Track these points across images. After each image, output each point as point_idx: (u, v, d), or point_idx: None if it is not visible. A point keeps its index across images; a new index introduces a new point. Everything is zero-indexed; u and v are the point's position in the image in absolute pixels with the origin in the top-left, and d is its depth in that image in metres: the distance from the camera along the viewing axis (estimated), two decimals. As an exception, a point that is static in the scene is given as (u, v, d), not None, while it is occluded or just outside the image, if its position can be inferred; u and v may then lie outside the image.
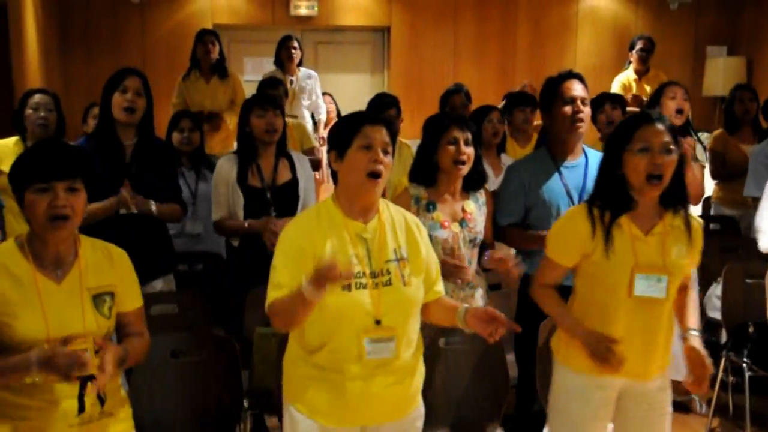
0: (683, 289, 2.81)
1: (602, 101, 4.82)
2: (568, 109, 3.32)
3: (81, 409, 2.27)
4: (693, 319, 2.80)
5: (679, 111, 4.08)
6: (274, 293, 2.37)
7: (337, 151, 2.44)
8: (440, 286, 2.63)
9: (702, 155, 4.42)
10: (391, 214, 2.53)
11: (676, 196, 2.64)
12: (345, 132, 2.43)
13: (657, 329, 2.68)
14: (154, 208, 3.61)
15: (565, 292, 3.14)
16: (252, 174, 3.81)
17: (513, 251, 3.54)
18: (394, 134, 2.49)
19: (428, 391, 3.12)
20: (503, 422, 3.24)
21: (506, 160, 4.80)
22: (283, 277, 2.36)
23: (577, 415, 2.76)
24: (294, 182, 3.88)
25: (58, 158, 2.27)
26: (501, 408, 3.25)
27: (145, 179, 3.61)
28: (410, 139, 4.86)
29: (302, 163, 3.98)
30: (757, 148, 4.95)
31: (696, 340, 2.73)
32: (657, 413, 2.77)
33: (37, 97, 4.25)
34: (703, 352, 2.71)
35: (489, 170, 4.29)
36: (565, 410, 2.80)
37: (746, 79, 8.93)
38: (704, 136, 5.94)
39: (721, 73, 9.11)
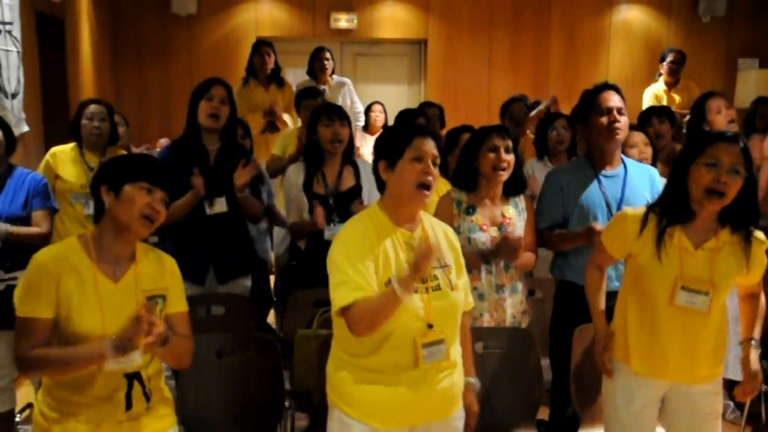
0: (752, 297, 2.78)
1: (649, 116, 4.73)
2: (604, 119, 3.30)
3: (128, 405, 2.32)
4: (756, 330, 2.76)
5: (731, 122, 4.04)
6: (353, 294, 2.29)
7: (388, 161, 2.43)
8: (471, 298, 2.63)
9: None
10: (432, 224, 2.54)
11: (741, 215, 2.59)
12: (396, 143, 2.42)
13: (700, 338, 2.64)
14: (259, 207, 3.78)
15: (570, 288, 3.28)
16: (317, 181, 3.85)
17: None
18: (440, 147, 2.48)
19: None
20: (537, 426, 3.20)
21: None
22: (357, 277, 2.31)
23: (624, 414, 2.75)
24: (357, 188, 3.90)
25: (165, 173, 2.40)
26: (535, 411, 3.22)
27: (226, 182, 3.67)
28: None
29: (367, 169, 4.01)
30: None
31: (753, 352, 2.71)
32: (703, 417, 2.73)
33: (92, 108, 4.32)
34: (756, 365, 2.69)
35: None
36: (613, 407, 2.80)
37: (777, 90, 8.79)
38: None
39: (753, 86, 8.94)
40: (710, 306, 2.58)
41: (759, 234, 2.66)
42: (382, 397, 2.38)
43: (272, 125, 6.34)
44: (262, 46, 6.54)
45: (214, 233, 3.66)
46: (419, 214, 2.50)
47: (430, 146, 2.41)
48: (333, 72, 6.90)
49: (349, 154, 3.95)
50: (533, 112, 6.08)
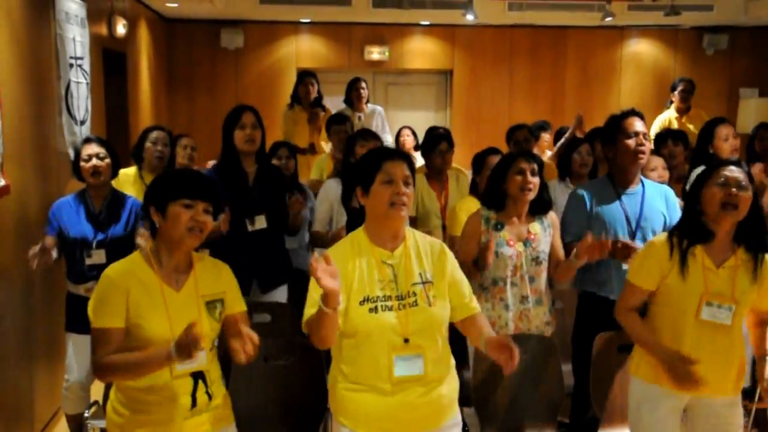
0: (763, 324, 2.75)
1: (665, 138, 4.70)
2: (631, 142, 3.28)
3: (193, 404, 2.35)
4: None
5: (735, 151, 4.05)
6: (308, 310, 2.30)
7: (362, 187, 2.41)
8: (475, 303, 2.54)
9: None
10: (416, 241, 2.47)
11: (751, 232, 2.61)
12: (367, 169, 2.40)
13: (725, 352, 2.63)
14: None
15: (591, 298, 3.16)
16: (354, 196, 3.85)
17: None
18: (412, 166, 2.44)
19: (490, 397, 3.08)
20: (558, 427, 3.17)
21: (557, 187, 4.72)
22: (317, 295, 2.22)
23: (647, 421, 2.72)
24: None
25: (201, 184, 2.39)
26: (556, 414, 3.19)
27: (264, 200, 3.72)
28: (468, 168, 4.81)
29: None
30: None
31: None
32: (725, 429, 2.70)
33: (155, 133, 4.37)
34: None
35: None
36: (636, 417, 2.77)
37: (777, 118, 8.69)
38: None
39: (753, 113, 8.85)
40: (733, 320, 2.56)
41: None
42: (369, 407, 2.35)
43: (312, 149, 6.41)
44: (307, 77, 6.60)
45: (255, 248, 3.67)
46: (402, 232, 2.45)
47: (400, 168, 2.37)
48: (368, 100, 6.94)
49: None
50: (563, 140, 5.93)
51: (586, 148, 4.69)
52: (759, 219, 2.61)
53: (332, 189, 3.93)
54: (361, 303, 2.32)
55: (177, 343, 2.14)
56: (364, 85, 6.85)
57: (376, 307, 2.32)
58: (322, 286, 2.07)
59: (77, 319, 3.38)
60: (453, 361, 2.52)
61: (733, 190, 2.54)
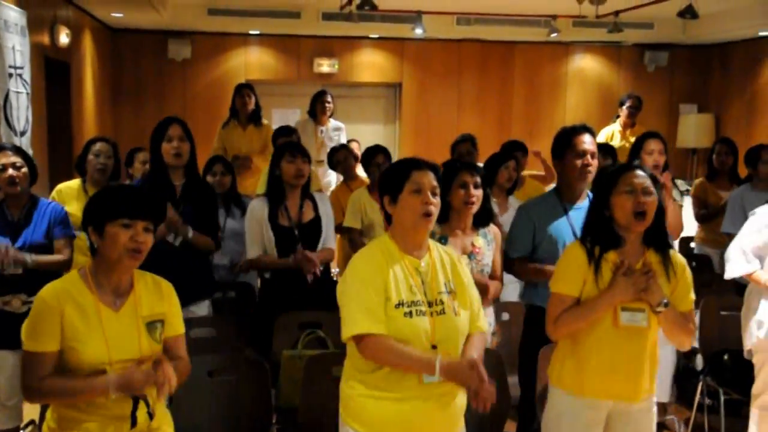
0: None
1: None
2: (579, 161, 3.29)
3: (133, 423, 2.27)
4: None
5: (655, 166, 4.05)
6: (375, 326, 2.27)
7: (390, 196, 2.42)
8: (482, 322, 2.52)
9: (678, 197, 4.43)
10: (439, 252, 2.50)
11: (657, 235, 2.63)
12: (396, 178, 2.41)
13: (642, 356, 2.62)
14: (190, 234, 3.57)
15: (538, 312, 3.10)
16: (281, 214, 3.78)
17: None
18: (439, 178, 2.46)
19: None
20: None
21: (513, 201, 4.75)
22: (377, 309, 2.28)
23: None
24: (317, 220, 3.85)
25: (141, 201, 2.30)
26: (502, 425, 3.18)
27: (190, 214, 3.60)
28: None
29: (324, 202, 3.97)
30: (736, 191, 4.94)
31: None
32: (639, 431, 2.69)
33: (98, 145, 4.24)
34: None
35: (496, 209, 4.24)
36: (556, 429, 2.73)
37: (714, 133, 8.96)
38: (679, 182, 5.99)
39: (692, 128, 9.14)
40: (649, 322, 2.57)
41: (679, 257, 2.67)
42: (389, 413, 2.33)
43: (245, 167, 6.23)
44: (243, 88, 6.39)
45: (175, 262, 3.46)
46: (427, 243, 2.47)
47: (428, 178, 2.39)
48: (332, 113, 6.81)
49: (306, 188, 3.88)
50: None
51: (513, 164, 4.75)
52: (662, 220, 2.63)
53: (258, 209, 3.79)
54: (397, 306, 2.32)
55: (119, 384, 2.13)
56: (329, 98, 6.70)
57: (411, 312, 2.32)
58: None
59: None
60: None
61: (642, 197, 2.55)
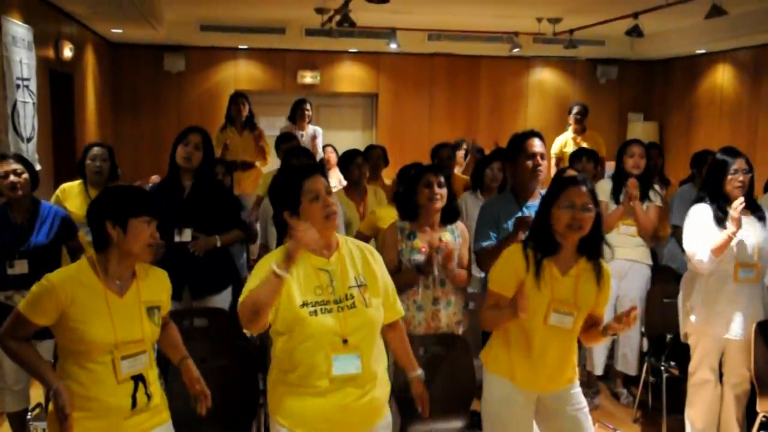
0: (596, 325, 2.70)
1: (580, 155, 4.83)
2: (530, 162, 3.32)
3: (133, 404, 2.29)
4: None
5: (635, 167, 4.17)
6: (248, 287, 2.21)
7: (290, 210, 2.27)
8: (399, 305, 2.50)
9: (656, 198, 4.35)
10: (349, 248, 2.40)
11: (592, 246, 2.60)
12: (290, 192, 2.28)
13: (565, 351, 2.65)
14: (219, 243, 3.65)
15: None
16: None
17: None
18: (325, 174, 2.40)
19: (408, 389, 3.08)
20: (471, 415, 3.20)
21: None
22: (257, 280, 2.19)
23: (505, 415, 2.68)
24: None
25: (156, 203, 2.36)
26: (468, 404, 3.21)
27: (202, 213, 3.64)
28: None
29: None
30: (683, 188, 4.95)
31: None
32: (574, 408, 2.70)
33: (95, 150, 4.21)
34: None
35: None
36: (494, 413, 2.72)
37: (659, 138, 9.07)
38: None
39: (640, 134, 9.18)
40: (573, 324, 2.58)
41: (607, 268, 2.66)
42: (306, 408, 2.26)
43: (244, 166, 6.36)
44: (238, 97, 6.49)
45: (182, 257, 3.53)
46: (337, 241, 2.37)
47: (320, 182, 2.29)
48: (310, 120, 6.95)
49: None
50: (468, 158, 6.14)
51: (498, 165, 4.78)
52: (598, 231, 2.59)
53: (267, 208, 3.89)
54: (302, 306, 2.23)
55: (57, 393, 2.17)
56: (308, 106, 6.87)
57: (315, 311, 2.23)
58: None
59: None
60: (387, 362, 2.46)
61: (578, 213, 2.51)
